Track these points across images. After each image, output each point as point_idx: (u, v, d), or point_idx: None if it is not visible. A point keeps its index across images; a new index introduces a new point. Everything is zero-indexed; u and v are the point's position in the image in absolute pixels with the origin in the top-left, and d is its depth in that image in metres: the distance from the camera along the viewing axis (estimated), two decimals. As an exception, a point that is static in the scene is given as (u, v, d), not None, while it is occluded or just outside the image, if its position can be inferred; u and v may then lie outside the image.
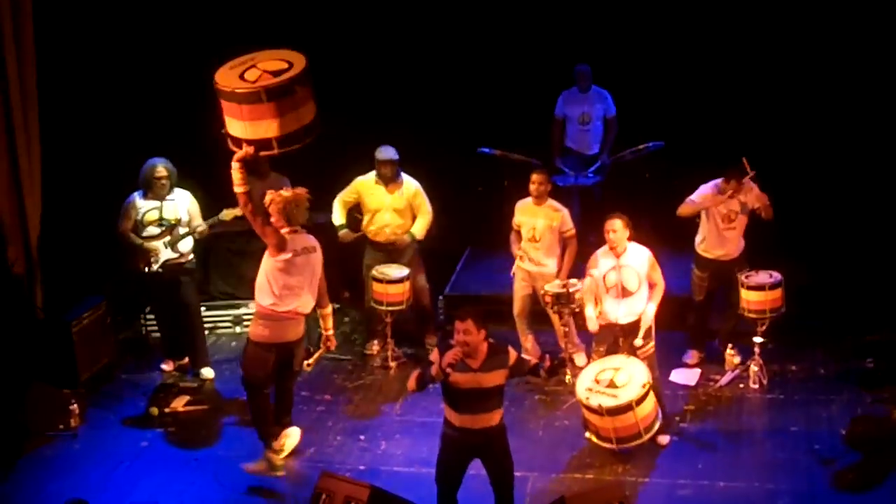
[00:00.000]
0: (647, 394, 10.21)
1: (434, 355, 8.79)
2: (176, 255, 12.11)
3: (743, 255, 11.91)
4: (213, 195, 12.41)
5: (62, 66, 13.30)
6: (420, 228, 12.52)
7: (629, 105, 14.26)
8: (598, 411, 10.16)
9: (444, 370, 8.55)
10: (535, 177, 11.99)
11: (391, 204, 12.40)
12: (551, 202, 12.05)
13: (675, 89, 14.55)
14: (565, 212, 12.04)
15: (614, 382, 10.29)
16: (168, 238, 12.05)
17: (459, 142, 14.38)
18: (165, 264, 12.07)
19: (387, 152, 12.33)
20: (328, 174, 13.11)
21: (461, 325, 8.58)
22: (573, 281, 11.66)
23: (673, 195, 14.01)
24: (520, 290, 12.20)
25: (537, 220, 11.96)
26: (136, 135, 14.17)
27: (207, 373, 12.52)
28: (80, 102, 13.84)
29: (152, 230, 12.05)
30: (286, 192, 10.28)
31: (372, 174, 12.45)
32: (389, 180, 12.36)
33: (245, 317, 13.52)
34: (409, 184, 12.47)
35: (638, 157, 13.72)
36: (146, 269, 12.08)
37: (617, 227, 10.72)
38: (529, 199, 12.04)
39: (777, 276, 11.50)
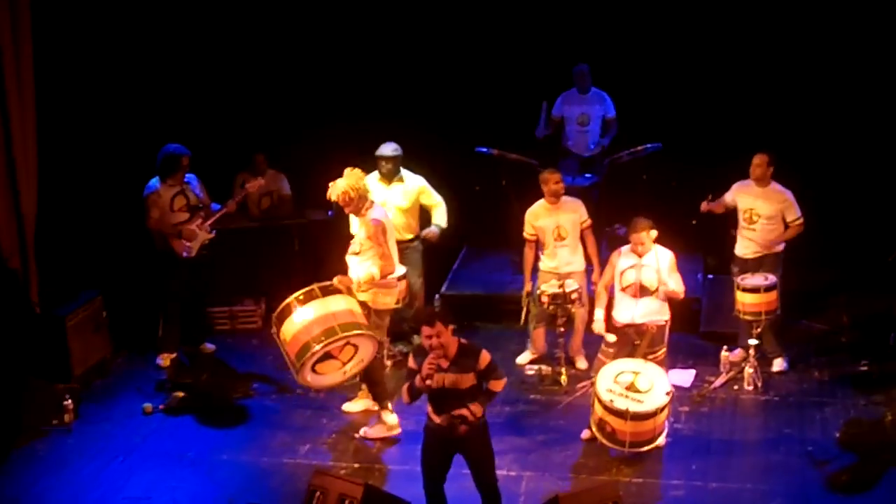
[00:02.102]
0: (668, 403, 10.24)
1: (410, 361, 8.86)
2: (212, 236, 12.31)
3: (770, 259, 11.82)
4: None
5: (59, 60, 13.29)
6: (442, 217, 12.48)
7: (627, 106, 14.26)
8: (624, 415, 10.13)
9: (424, 383, 8.60)
10: (550, 176, 11.90)
11: (393, 202, 12.30)
12: (564, 197, 12.04)
13: (674, 91, 14.56)
14: (580, 201, 12.09)
15: (636, 386, 10.25)
16: (200, 221, 12.17)
17: (457, 141, 14.37)
18: (202, 246, 12.24)
19: (385, 148, 12.26)
20: (326, 173, 13.14)
21: (430, 329, 8.55)
22: (569, 282, 11.66)
23: (670, 197, 14.09)
24: (549, 290, 11.89)
25: (560, 218, 11.93)
26: (132, 130, 14.18)
27: (210, 346, 12.83)
28: (76, 97, 13.84)
29: (181, 216, 12.12)
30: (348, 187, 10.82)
31: (376, 172, 12.38)
32: (389, 177, 12.29)
33: (241, 314, 13.52)
34: (413, 180, 12.39)
35: (635, 159, 13.70)
36: (185, 255, 12.13)
37: (639, 229, 10.77)
38: (541, 203, 11.98)
39: (772, 278, 11.50)
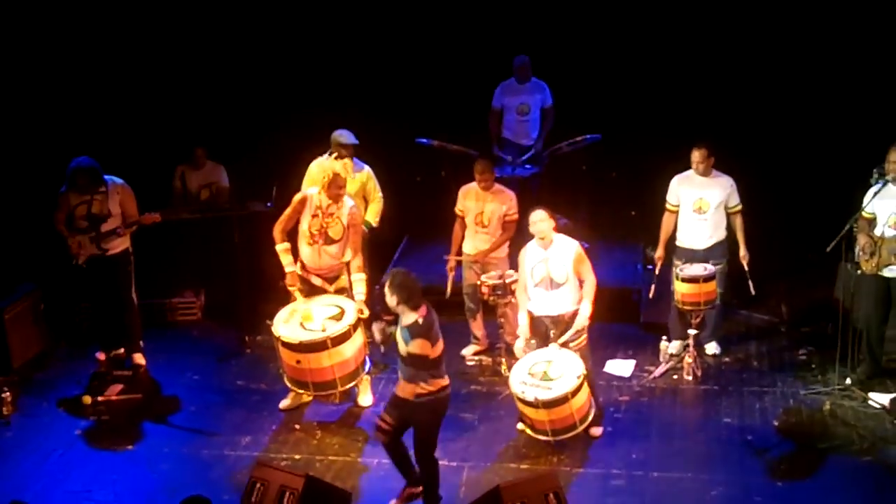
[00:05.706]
0: (581, 385, 10.23)
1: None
2: (100, 253, 11.90)
3: (719, 246, 11.85)
4: (143, 187, 12.39)
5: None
6: (373, 215, 12.37)
7: (567, 97, 14.28)
8: (534, 404, 10.15)
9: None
10: (479, 167, 11.94)
11: (348, 189, 12.12)
12: (498, 187, 12.04)
13: (613, 82, 14.61)
14: (514, 196, 12.05)
15: (548, 375, 10.29)
16: (94, 234, 11.85)
17: (398, 132, 14.35)
18: (91, 259, 11.93)
19: (350, 137, 12.09)
20: (266, 164, 13.10)
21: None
22: (510, 272, 11.65)
23: (610, 188, 14.13)
24: (469, 278, 12.12)
25: (487, 206, 11.95)
26: (67, 125, 14.08)
27: (138, 359, 12.38)
28: (9, 93, 13.74)
29: (80, 223, 11.85)
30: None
31: (323, 158, 12.13)
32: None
33: (180, 306, 13.44)
34: (362, 168, 12.31)
35: (575, 150, 13.74)
36: (75, 263, 11.96)
37: (535, 219, 10.66)
38: (474, 185, 12.01)
39: (711, 268, 11.55)
